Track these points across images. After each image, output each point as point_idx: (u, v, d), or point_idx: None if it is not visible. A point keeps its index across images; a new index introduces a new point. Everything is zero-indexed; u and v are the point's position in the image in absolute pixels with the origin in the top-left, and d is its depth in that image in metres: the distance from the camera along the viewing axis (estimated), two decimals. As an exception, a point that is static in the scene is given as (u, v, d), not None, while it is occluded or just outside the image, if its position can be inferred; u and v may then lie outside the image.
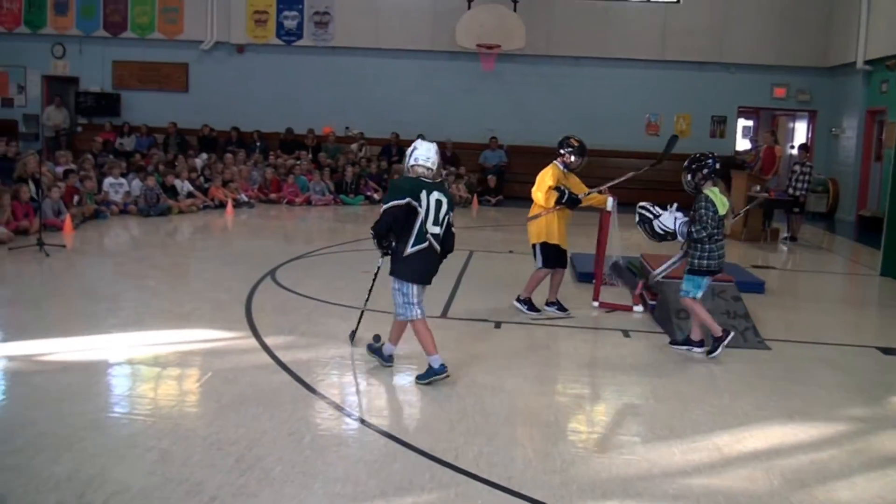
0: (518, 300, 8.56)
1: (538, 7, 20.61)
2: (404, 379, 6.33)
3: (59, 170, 14.79)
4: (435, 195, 5.99)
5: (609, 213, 8.68)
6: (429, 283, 6.20)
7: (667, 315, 8.01)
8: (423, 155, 6.10)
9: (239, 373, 6.14)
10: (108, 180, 15.29)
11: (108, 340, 6.94)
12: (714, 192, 7.07)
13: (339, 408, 5.58)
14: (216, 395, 5.68)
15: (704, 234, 6.99)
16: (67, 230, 12.56)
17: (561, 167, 8.40)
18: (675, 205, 7.50)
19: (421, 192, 5.94)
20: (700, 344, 7.29)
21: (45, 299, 8.64)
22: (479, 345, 7.26)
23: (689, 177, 7.10)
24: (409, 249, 5.97)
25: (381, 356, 6.46)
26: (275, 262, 10.27)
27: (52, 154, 16.42)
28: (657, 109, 21.05)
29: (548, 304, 8.56)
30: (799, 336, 8.07)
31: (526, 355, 7.01)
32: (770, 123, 22.21)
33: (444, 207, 6.05)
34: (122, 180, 15.49)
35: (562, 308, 8.54)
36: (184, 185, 16.31)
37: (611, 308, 8.73)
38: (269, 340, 7.05)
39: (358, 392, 6.02)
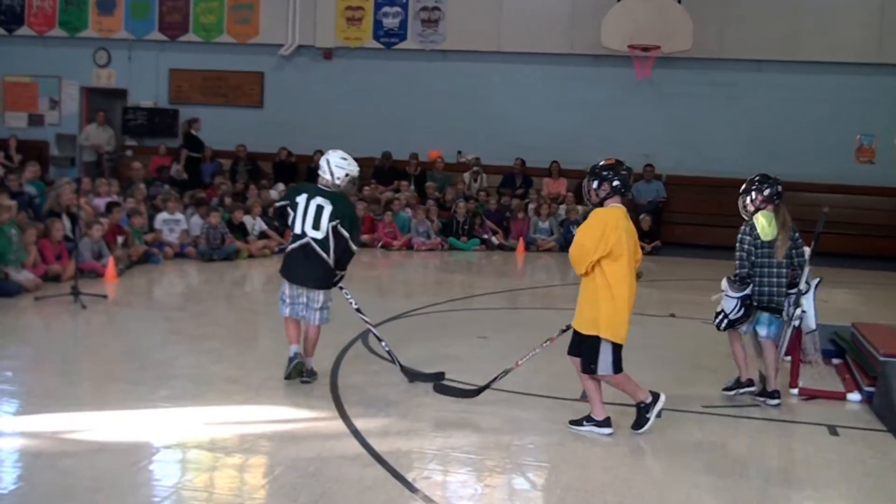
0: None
1: (710, -3, 20.47)
2: (526, 482, 6.23)
3: (101, 202, 15.35)
4: (317, 200, 7.93)
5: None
6: (300, 284, 8.04)
7: (890, 406, 7.65)
8: (322, 166, 8.11)
9: (321, 464, 6.12)
10: (162, 216, 15.79)
11: (156, 417, 7.03)
12: (757, 218, 8.04)
13: (448, 515, 5.49)
14: (292, 493, 5.65)
15: (747, 267, 7.98)
16: (109, 277, 12.97)
17: None
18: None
19: (299, 195, 8.05)
20: (774, 394, 8.06)
21: (78, 362, 8.90)
22: (633, 440, 7.05)
23: (747, 198, 8.18)
24: (288, 248, 8.15)
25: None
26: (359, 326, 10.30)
27: (93, 183, 17.05)
28: (870, 129, 20.43)
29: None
30: None
31: (696, 455, 6.78)
32: None
33: (326, 214, 7.89)
34: (180, 216, 15.97)
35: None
36: (255, 223, 16.70)
37: (812, 395, 8.38)
38: (359, 423, 7.03)
39: (471, 495, 5.90)
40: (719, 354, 8.98)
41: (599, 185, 6.96)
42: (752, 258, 7.98)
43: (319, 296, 8.06)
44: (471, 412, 7.43)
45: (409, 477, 5.98)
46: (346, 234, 7.96)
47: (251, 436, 6.70)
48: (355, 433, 6.83)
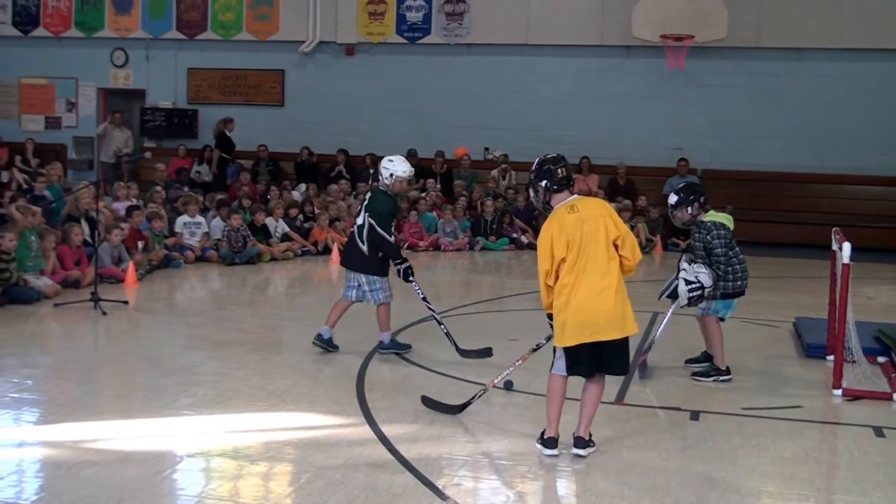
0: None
1: (745, -16, 20.34)
2: (565, 486, 6.23)
3: (121, 206, 15.45)
4: (369, 194, 9.51)
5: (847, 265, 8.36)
6: (345, 266, 9.53)
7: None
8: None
9: (348, 472, 6.15)
10: (183, 219, 15.85)
11: (178, 425, 7.09)
12: (713, 215, 8.82)
13: (479, 523, 5.50)
14: (318, 501, 5.69)
15: (724, 260, 8.63)
16: (130, 282, 13.04)
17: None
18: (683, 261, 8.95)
19: (369, 191, 9.99)
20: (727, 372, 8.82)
21: (99, 370, 8.96)
22: (671, 444, 7.05)
23: (688, 209, 8.80)
24: None
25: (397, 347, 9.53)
26: (394, 326, 10.31)
27: (111, 186, 17.17)
28: (916, 118, 20.23)
29: None
30: None
31: (735, 459, 6.75)
32: None
33: (364, 205, 9.31)
34: (200, 219, 16.03)
35: None
36: (278, 226, 16.74)
37: (856, 396, 8.32)
38: (386, 429, 7.05)
39: (502, 502, 5.92)
40: (758, 355, 8.95)
41: (535, 187, 6.86)
42: (730, 253, 8.73)
43: (361, 278, 9.28)
44: (500, 416, 7.43)
45: (439, 484, 5.99)
46: (377, 226, 9.06)
47: (276, 443, 6.74)
48: (383, 439, 6.85)
